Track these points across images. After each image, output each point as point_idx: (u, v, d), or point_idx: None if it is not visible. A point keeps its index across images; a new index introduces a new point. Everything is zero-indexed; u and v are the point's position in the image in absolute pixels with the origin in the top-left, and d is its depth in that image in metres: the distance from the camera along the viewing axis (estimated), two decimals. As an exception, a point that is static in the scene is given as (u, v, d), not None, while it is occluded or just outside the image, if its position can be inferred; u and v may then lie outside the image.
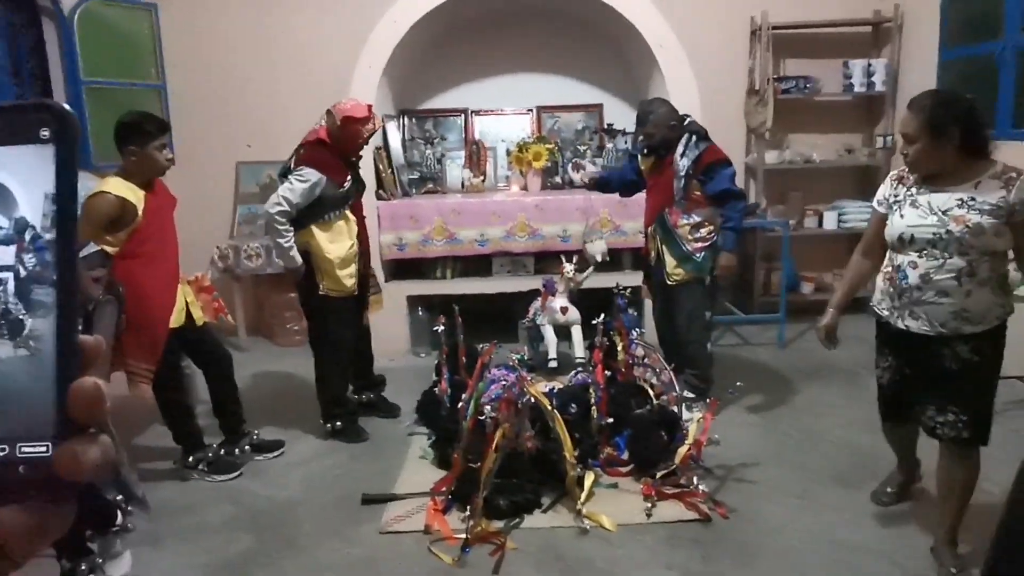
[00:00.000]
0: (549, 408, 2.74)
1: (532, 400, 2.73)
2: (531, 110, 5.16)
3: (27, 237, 0.35)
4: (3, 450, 0.35)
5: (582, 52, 5.08)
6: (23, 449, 0.35)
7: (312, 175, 3.12)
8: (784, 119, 4.95)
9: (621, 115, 5.07)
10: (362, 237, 3.42)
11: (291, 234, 3.14)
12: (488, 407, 2.69)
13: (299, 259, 3.18)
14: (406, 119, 5.11)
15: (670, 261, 3.46)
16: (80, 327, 0.35)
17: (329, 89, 4.69)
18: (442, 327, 3.51)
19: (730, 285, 3.41)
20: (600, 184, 3.75)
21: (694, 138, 3.28)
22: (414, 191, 4.84)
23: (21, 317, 0.34)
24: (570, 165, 4.96)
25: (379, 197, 4.46)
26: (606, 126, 4.98)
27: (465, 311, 3.76)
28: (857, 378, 4.02)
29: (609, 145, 4.92)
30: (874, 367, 2.51)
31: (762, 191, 4.96)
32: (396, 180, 4.63)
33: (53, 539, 0.36)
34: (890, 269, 2.29)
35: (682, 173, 3.30)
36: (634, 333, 3.49)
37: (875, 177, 5.04)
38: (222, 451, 3.15)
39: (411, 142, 5.10)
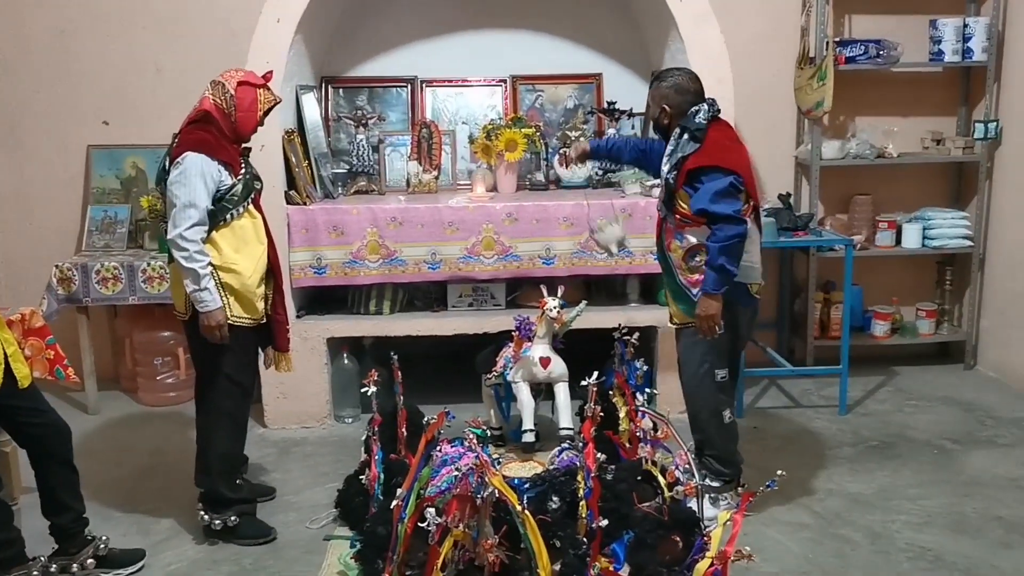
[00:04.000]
0: (517, 507, 2.71)
1: (496, 494, 2.70)
2: (504, 81, 5.17)
3: None
4: None
5: (574, 4, 5.12)
6: None
7: (195, 161, 3.16)
8: (849, 98, 5.03)
9: (627, 89, 5.10)
10: (269, 249, 3.47)
11: (208, 259, 3.19)
12: (431, 509, 2.66)
13: (219, 299, 3.22)
14: (330, 90, 5.10)
15: (668, 296, 3.57)
16: None
17: (219, 46, 4.71)
18: (373, 386, 3.48)
19: (715, 341, 3.41)
20: (597, 152, 4.01)
21: (685, 136, 3.36)
22: (340, 191, 4.82)
23: None
24: (556, 157, 5.00)
25: (289, 200, 4.43)
26: (606, 104, 5.01)
27: (409, 360, 3.74)
28: (943, 454, 4.07)
29: (611, 131, 4.94)
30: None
31: (818, 195, 5.02)
32: (314, 176, 4.61)
33: None
34: None
35: (660, 180, 3.44)
36: (640, 397, 3.49)
37: (972, 177, 5.13)
38: (53, 567, 3.06)
39: (337, 123, 5.09)
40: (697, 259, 3.36)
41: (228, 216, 3.27)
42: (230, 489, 3.45)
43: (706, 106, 3.36)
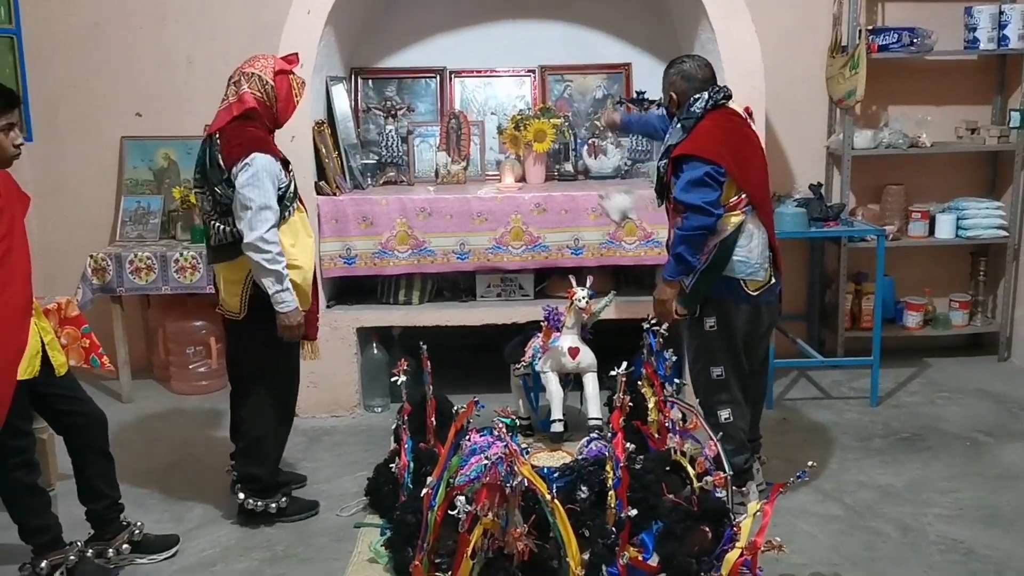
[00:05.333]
0: (547, 496, 2.72)
1: (525, 482, 2.71)
2: (532, 72, 5.16)
3: None
4: None
5: (603, -7, 5.11)
6: None
7: (264, 162, 3.17)
8: (881, 87, 4.97)
9: (656, 80, 4.94)
10: None
11: (285, 260, 3.23)
12: (461, 497, 2.67)
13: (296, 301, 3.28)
14: (359, 81, 5.12)
15: None
16: None
17: (249, 38, 4.73)
18: (403, 376, 3.51)
19: (674, 333, 3.38)
20: (628, 127, 4.17)
21: (678, 125, 3.35)
22: (369, 182, 4.84)
23: None
24: (585, 148, 5.00)
25: (319, 191, 4.46)
26: (635, 94, 4.98)
27: (437, 350, 3.75)
28: (975, 447, 4.03)
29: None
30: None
31: (849, 185, 4.97)
32: (344, 167, 4.64)
33: None
34: None
35: (655, 167, 3.44)
36: (669, 387, 3.48)
37: (1007, 167, 5.07)
38: (89, 551, 3.11)
39: (366, 114, 5.11)
40: None
41: (287, 213, 3.27)
42: (277, 474, 3.55)
43: (707, 94, 3.32)
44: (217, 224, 3.25)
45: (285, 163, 3.31)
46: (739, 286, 3.32)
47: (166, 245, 4.79)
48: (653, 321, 3.77)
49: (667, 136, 3.43)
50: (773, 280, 3.41)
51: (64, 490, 3.38)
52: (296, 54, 3.50)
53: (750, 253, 3.31)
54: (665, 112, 3.58)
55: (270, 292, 3.20)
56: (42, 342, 2.92)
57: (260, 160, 3.15)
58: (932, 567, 3.09)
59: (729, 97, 3.38)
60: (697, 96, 3.33)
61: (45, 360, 2.93)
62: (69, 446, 3.11)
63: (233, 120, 3.23)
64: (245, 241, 3.14)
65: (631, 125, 4.04)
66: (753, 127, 3.46)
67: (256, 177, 3.13)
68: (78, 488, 3.15)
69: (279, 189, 3.22)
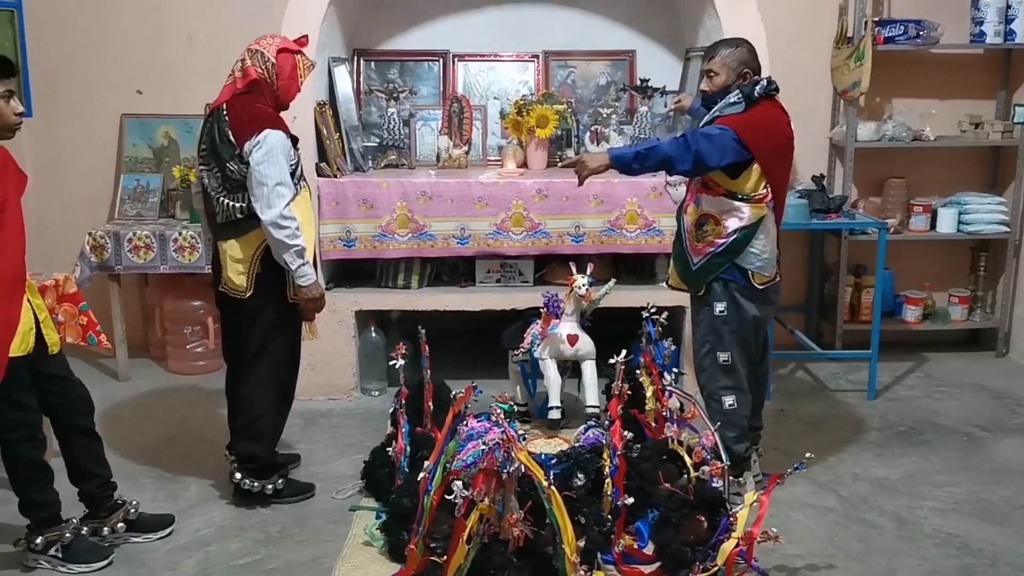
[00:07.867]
0: (544, 482, 2.72)
1: (522, 469, 2.72)
2: (536, 57, 5.15)
3: None
4: None
5: (609, -21, 5.09)
6: None
7: (277, 138, 3.17)
8: (886, 79, 4.96)
9: (660, 67, 5.06)
10: None
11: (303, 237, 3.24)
12: (458, 482, 2.67)
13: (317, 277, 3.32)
14: (362, 63, 5.10)
15: (673, 256, 3.56)
16: None
17: (252, 16, 4.70)
18: (401, 359, 3.51)
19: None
20: (696, 114, 3.87)
21: (734, 97, 3.29)
22: (370, 164, 4.83)
23: None
24: (588, 134, 4.98)
25: (320, 173, 4.44)
26: (639, 81, 4.97)
27: (436, 335, 3.75)
28: (971, 442, 4.04)
29: (643, 108, 4.90)
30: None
31: (851, 177, 4.96)
32: (345, 149, 4.62)
33: None
34: None
35: None
36: (667, 376, 3.48)
37: (1010, 162, 5.06)
38: (84, 530, 3.11)
39: (368, 96, 5.09)
40: (705, 228, 3.30)
41: (296, 192, 3.25)
42: (274, 455, 3.55)
43: (764, 81, 3.30)
44: (225, 201, 3.24)
45: (294, 140, 3.30)
46: (749, 277, 3.33)
47: (165, 224, 4.78)
48: (652, 310, 3.78)
49: (720, 107, 3.32)
50: (777, 278, 3.43)
51: (58, 467, 3.36)
52: (306, 36, 3.47)
53: (763, 248, 3.31)
54: (704, 98, 3.47)
55: (292, 267, 3.22)
56: (36, 319, 2.90)
57: (273, 136, 3.16)
58: (926, 560, 3.10)
59: (778, 91, 3.36)
60: (758, 78, 3.31)
61: (39, 338, 2.91)
62: (54, 426, 3.11)
63: (238, 94, 3.23)
64: (264, 219, 3.14)
65: (697, 113, 3.90)
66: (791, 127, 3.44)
67: (271, 153, 3.14)
68: (68, 470, 3.14)
69: (291, 166, 3.22)
